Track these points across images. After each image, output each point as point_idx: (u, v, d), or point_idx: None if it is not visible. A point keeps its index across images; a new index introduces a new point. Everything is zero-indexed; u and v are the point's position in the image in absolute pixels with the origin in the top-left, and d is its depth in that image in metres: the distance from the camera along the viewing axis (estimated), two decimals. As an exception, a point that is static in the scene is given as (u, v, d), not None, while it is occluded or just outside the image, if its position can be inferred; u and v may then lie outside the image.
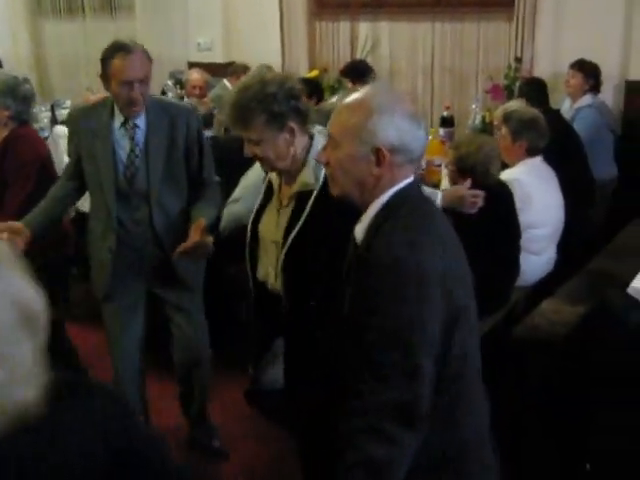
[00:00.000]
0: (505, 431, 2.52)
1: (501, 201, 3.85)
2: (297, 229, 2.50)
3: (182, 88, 6.76)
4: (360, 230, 1.97)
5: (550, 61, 6.21)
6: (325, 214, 2.42)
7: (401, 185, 1.91)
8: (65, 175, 3.40)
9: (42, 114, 6.31)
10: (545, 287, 4.16)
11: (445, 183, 4.31)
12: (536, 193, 4.01)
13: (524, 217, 3.92)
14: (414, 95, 6.90)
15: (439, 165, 4.80)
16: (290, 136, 2.49)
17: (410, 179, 1.93)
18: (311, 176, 2.51)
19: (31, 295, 1.22)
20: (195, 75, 6.52)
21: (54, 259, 3.78)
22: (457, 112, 6.27)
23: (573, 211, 4.54)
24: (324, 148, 2.02)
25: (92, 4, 7.98)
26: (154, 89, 7.22)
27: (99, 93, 4.89)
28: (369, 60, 6.71)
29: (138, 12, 7.69)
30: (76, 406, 1.31)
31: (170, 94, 7.06)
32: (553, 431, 3.11)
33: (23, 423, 1.18)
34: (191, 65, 7.28)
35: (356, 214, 2.05)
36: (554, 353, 3.23)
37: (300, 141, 2.53)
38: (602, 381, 2.80)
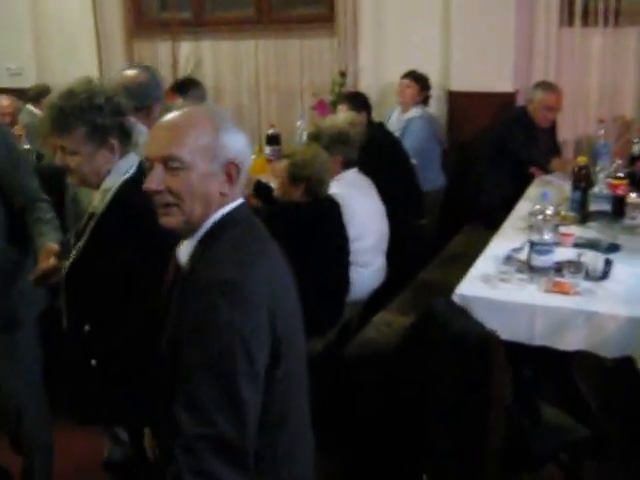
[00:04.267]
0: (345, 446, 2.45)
1: (331, 216, 3.76)
2: (77, 250, 2.39)
3: (-7, 116, 6.32)
4: (185, 252, 1.82)
5: (374, 75, 6.23)
6: (105, 239, 2.33)
7: (233, 205, 1.80)
8: None
9: None
10: (378, 301, 4.12)
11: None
12: (357, 205, 3.94)
13: (348, 230, 3.84)
14: (240, 114, 6.76)
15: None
16: (109, 153, 2.35)
17: (241, 199, 1.83)
18: (99, 199, 2.39)
19: None
20: (4, 102, 6.10)
21: None
22: (284, 130, 6.14)
23: (404, 223, 4.51)
24: (155, 176, 1.75)
25: None
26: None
27: None
28: (192, 80, 6.50)
29: None
30: None
31: (-20, 123, 6.61)
32: (392, 442, 3.02)
33: None
34: (1, 91, 6.84)
35: (140, 239, 2.21)
36: (387, 365, 3.13)
37: (113, 160, 2.39)
38: (433, 388, 2.71)
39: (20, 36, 7.34)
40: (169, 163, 1.73)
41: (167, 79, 6.80)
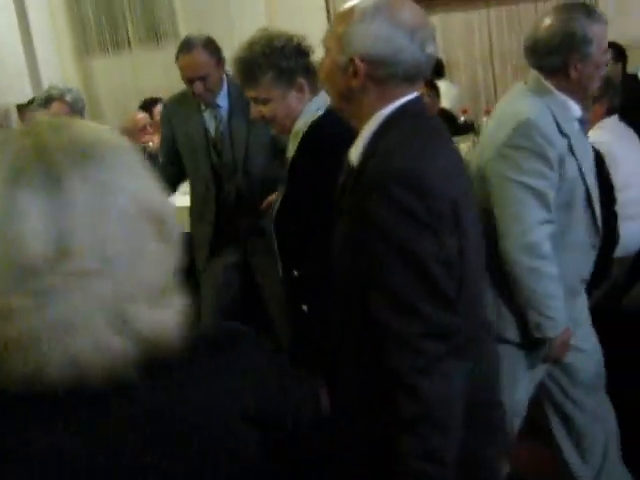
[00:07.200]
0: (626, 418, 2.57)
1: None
2: (280, 196, 2.41)
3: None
4: (355, 152, 1.71)
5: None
6: (300, 182, 2.27)
7: (401, 101, 1.66)
8: (165, 159, 3.66)
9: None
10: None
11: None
12: (619, 153, 3.69)
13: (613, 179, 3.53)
14: (475, 86, 6.66)
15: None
16: (299, 93, 2.32)
17: (410, 95, 1.68)
18: (301, 124, 2.36)
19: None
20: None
21: None
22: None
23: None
24: None
25: (137, 35, 7.73)
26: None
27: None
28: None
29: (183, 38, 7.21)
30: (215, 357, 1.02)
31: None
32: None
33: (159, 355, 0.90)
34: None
35: (338, 155, 1.87)
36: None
37: (307, 99, 2.35)
38: None
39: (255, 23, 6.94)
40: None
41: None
